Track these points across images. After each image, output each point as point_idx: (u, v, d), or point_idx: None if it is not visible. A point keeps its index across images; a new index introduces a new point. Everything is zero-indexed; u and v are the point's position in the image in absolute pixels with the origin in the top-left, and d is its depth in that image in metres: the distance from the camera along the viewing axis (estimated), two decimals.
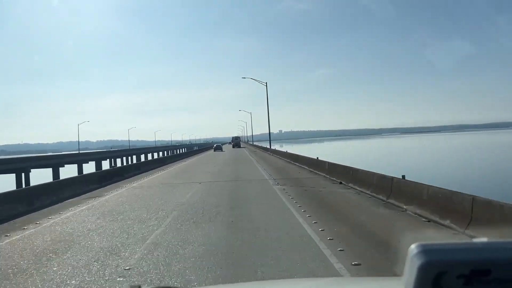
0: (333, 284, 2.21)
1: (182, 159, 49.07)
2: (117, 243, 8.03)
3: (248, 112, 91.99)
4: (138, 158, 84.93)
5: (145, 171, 28.65)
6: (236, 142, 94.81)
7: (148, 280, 5.74)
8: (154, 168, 31.66)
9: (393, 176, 11.94)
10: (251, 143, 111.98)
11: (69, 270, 6.40)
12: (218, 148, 72.93)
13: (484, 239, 0.94)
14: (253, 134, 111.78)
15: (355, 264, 6.03)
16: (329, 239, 7.56)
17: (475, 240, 0.94)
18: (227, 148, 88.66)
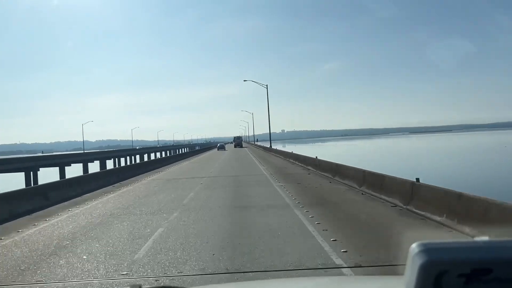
0: (333, 283, 2.23)
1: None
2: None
3: (250, 113, 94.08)
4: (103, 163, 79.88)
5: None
6: (237, 142, 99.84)
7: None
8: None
9: None
10: (255, 143, 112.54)
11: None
12: (222, 147, 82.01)
13: (485, 238, 0.95)
14: (254, 133, 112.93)
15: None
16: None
17: (476, 239, 0.95)
18: (229, 147, 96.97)
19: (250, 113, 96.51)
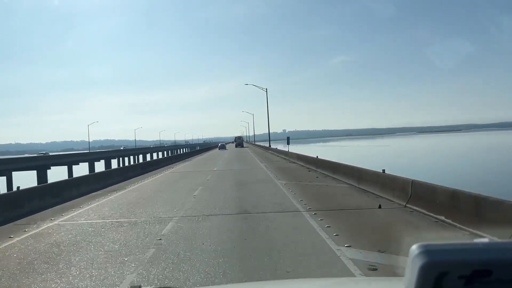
0: (334, 285, 2.24)
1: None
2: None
3: (250, 113, 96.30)
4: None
5: None
6: (239, 142, 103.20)
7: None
8: None
9: None
10: (255, 143, 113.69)
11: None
12: (223, 147, 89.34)
13: (485, 240, 0.97)
14: (255, 134, 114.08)
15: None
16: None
17: (477, 240, 0.97)
18: (230, 147, 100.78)
19: (251, 114, 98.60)
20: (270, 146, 64.21)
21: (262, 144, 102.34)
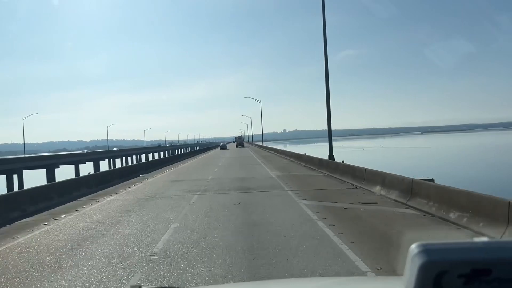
0: (334, 284, 2.26)
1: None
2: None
3: (249, 117, 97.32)
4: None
5: None
6: (239, 142, 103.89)
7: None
8: None
9: None
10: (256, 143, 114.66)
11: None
12: (224, 146, 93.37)
13: (484, 239, 0.98)
14: (255, 133, 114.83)
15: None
16: None
17: (476, 239, 0.98)
18: (231, 146, 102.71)
19: (249, 117, 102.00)
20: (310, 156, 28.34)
21: (263, 144, 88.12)
